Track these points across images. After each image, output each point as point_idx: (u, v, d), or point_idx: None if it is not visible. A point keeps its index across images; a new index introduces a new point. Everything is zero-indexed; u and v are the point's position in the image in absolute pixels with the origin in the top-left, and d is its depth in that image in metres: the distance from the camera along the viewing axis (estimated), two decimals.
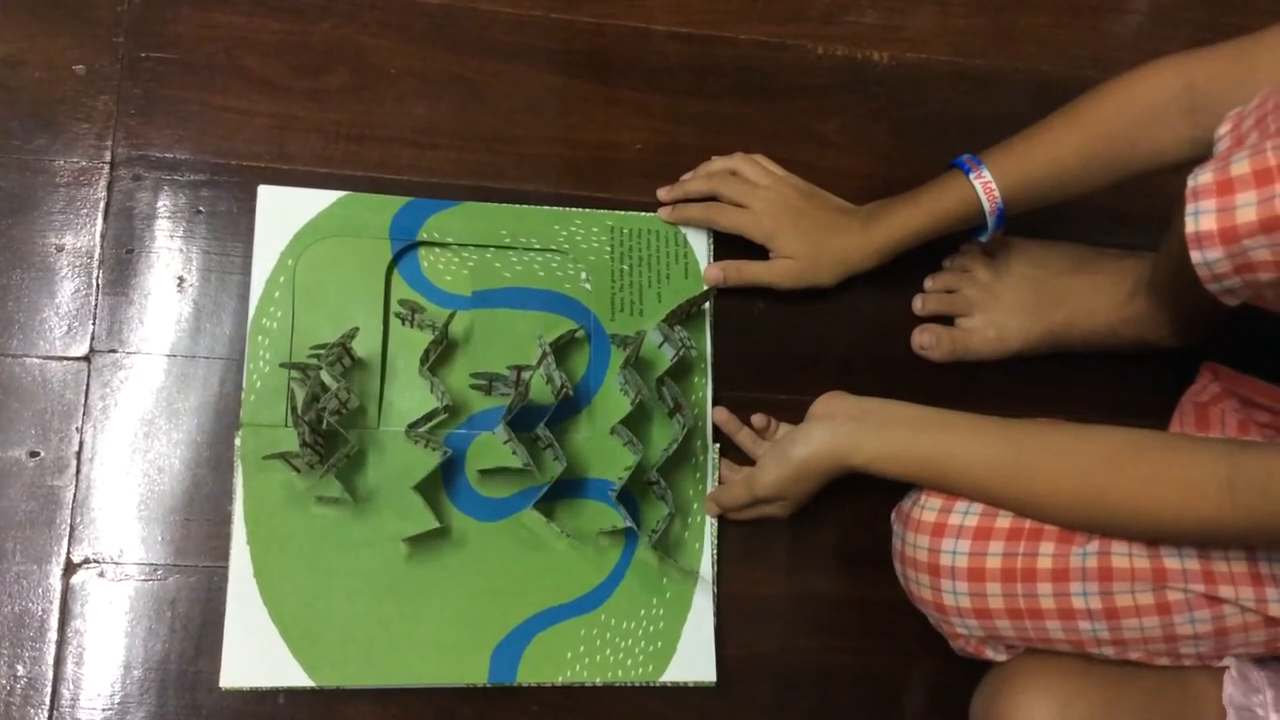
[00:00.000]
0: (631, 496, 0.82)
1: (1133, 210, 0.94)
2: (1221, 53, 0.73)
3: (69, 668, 0.77)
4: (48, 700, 0.76)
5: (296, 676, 0.76)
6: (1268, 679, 0.72)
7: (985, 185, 0.81)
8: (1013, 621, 0.74)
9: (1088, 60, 1.01)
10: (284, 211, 0.83)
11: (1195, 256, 0.59)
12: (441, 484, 0.81)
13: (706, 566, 0.84)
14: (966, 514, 0.75)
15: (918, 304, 0.92)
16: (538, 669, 0.80)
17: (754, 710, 0.84)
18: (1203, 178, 0.59)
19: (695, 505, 0.84)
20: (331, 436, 0.78)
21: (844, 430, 0.77)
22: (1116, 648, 0.73)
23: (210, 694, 0.77)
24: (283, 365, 0.79)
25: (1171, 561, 0.70)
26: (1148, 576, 0.70)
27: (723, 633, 0.83)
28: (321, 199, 0.84)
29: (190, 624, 0.78)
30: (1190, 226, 0.59)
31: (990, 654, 0.78)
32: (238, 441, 0.79)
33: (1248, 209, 0.57)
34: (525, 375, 0.81)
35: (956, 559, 0.74)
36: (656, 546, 0.81)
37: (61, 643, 0.77)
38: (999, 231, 0.83)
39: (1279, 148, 0.56)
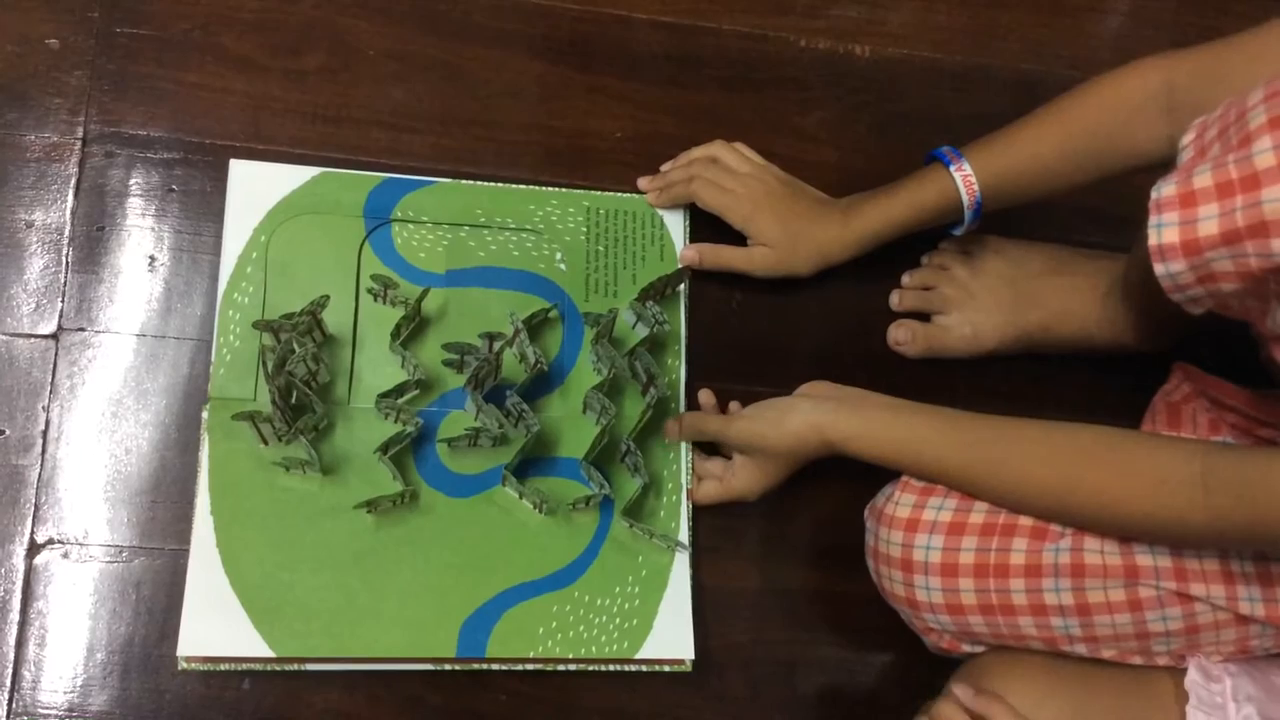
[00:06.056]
0: (603, 471, 0.82)
1: (1110, 210, 0.95)
2: (1202, 54, 0.73)
3: (30, 649, 0.75)
4: (8, 682, 0.75)
5: (257, 648, 0.74)
6: (1227, 670, 0.72)
7: (965, 178, 0.81)
8: (985, 618, 0.74)
9: (1068, 60, 1.02)
10: (257, 187, 0.82)
11: (1158, 268, 0.60)
12: (412, 459, 0.80)
13: (684, 542, 0.83)
14: (940, 509, 0.75)
15: (894, 300, 0.92)
16: (508, 644, 0.78)
17: (724, 701, 0.84)
18: (1165, 190, 0.59)
19: (669, 485, 0.84)
20: (300, 410, 0.77)
21: (826, 406, 0.78)
22: (1089, 645, 0.74)
23: (173, 677, 0.76)
24: (255, 325, 0.78)
25: (1144, 558, 0.70)
26: (1120, 573, 0.71)
27: (694, 624, 0.83)
28: (296, 175, 0.83)
29: (154, 607, 0.77)
30: (1153, 239, 0.59)
31: (967, 648, 0.78)
32: (205, 414, 0.78)
33: (1209, 222, 0.57)
34: (497, 344, 0.81)
35: (930, 554, 0.74)
36: (628, 514, 0.80)
37: (24, 624, 0.76)
38: (975, 224, 0.83)
39: (1240, 160, 0.56)
